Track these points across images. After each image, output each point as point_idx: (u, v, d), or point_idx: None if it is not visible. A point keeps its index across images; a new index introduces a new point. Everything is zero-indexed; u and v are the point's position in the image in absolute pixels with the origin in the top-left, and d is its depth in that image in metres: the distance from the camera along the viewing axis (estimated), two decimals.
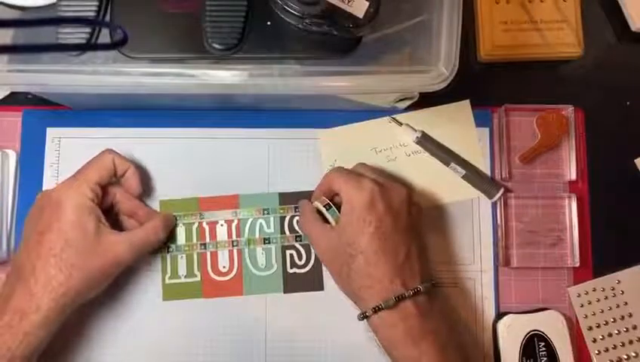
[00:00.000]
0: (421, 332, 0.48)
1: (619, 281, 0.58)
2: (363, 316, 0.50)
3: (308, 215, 0.55)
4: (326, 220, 0.54)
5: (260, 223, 0.58)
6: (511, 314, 0.57)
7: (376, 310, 0.49)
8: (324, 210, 0.54)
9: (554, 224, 0.59)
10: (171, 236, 0.57)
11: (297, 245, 0.58)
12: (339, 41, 0.49)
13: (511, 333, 0.56)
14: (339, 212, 0.52)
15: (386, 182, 0.53)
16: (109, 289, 0.53)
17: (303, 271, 0.57)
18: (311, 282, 0.57)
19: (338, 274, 0.52)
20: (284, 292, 0.57)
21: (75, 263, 0.49)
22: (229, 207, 0.58)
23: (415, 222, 0.53)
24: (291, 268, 0.57)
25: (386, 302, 0.48)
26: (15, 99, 0.59)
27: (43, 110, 0.59)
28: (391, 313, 0.49)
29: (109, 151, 0.54)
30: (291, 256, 0.58)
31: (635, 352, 0.56)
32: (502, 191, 0.58)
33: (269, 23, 0.49)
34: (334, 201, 0.54)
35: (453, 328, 0.51)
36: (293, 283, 0.57)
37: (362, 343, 0.56)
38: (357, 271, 0.50)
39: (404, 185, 0.54)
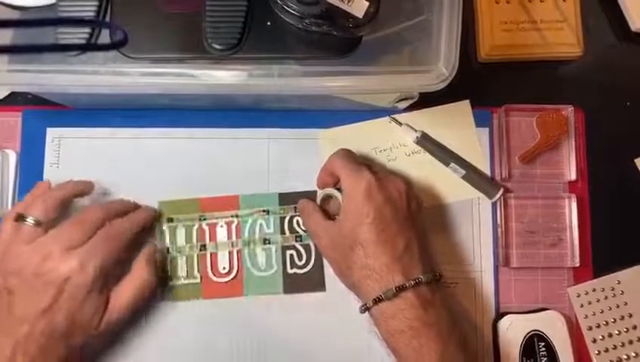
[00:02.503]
0: (422, 324, 0.48)
1: (619, 281, 0.58)
2: (364, 308, 0.50)
3: (310, 212, 0.55)
4: (328, 216, 0.54)
5: (260, 224, 0.58)
6: (511, 314, 0.57)
7: (377, 301, 0.48)
8: (335, 192, 0.54)
9: (554, 224, 0.59)
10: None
11: (297, 245, 0.58)
12: (339, 41, 0.49)
13: (511, 333, 0.56)
14: None
15: (384, 174, 0.53)
16: None
17: (303, 271, 0.57)
18: (311, 282, 0.57)
19: (339, 268, 0.53)
20: (285, 292, 0.57)
21: None
22: (229, 207, 0.58)
23: (415, 215, 0.52)
24: (291, 268, 0.57)
25: (386, 293, 0.48)
26: (15, 99, 0.59)
27: (43, 110, 0.58)
28: (391, 304, 0.48)
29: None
30: (291, 256, 0.57)
31: (635, 352, 0.56)
32: (502, 191, 0.58)
33: (269, 23, 0.49)
34: (339, 187, 0.54)
35: (456, 321, 0.50)
36: (293, 284, 0.57)
37: (363, 344, 0.56)
38: (357, 262, 0.50)
39: (402, 179, 0.54)
